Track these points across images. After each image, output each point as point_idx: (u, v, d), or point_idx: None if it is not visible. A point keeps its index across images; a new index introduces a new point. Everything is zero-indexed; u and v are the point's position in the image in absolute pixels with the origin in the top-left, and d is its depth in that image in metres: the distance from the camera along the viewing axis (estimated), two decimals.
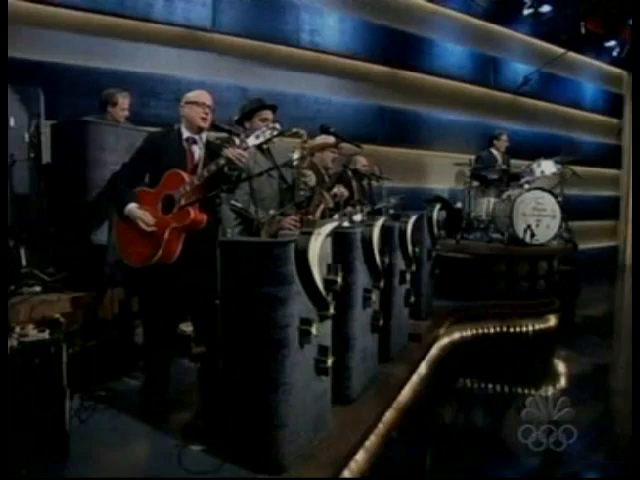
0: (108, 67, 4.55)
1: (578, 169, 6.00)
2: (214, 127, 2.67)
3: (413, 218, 3.68)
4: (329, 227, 2.28)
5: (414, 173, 6.69)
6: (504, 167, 5.65)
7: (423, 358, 3.85)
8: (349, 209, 4.81)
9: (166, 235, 2.37)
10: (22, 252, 2.61)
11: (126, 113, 3.93)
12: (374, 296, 2.86)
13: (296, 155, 3.17)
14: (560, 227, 5.28)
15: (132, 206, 2.44)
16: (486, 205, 5.64)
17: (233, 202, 2.86)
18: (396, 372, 3.35)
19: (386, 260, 3.01)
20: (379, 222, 2.85)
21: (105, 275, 2.79)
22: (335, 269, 2.27)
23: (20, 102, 3.23)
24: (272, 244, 2.00)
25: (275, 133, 2.46)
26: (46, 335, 2.12)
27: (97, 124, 2.91)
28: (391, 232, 3.39)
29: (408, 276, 3.55)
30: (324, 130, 3.57)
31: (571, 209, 5.87)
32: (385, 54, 6.32)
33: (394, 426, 2.80)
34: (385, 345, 3.36)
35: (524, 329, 5.07)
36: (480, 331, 4.93)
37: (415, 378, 3.51)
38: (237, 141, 2.46)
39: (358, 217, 4.89)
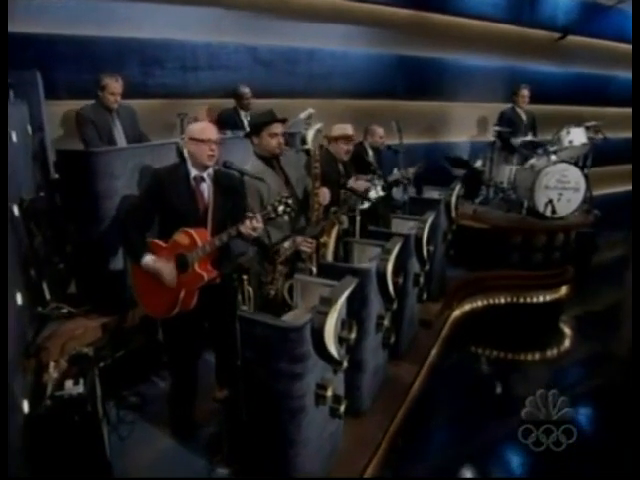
0: (105, 35, 4.33)
1: (613, 111, 5.68)
2: (225, 167, 2.66)
3: (430, 219, 3.69)
4: (346, 293, 2.37)
5: (435, 127, 6.51)
6: (529, 138, 5.43)
7: (432, 347, 4.11)
8: (363, 183, 4.83)
9: (182, 295, 2.47)
10: (44, 286, 2.76)
11: (117, 97, 3.86)
12: (387, 321, 3.02)
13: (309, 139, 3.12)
14: (583, 201, 5.23)
15: (149, 259, 2.49)
16: (508, 172, 5.54)
17: None
18: (404, 373, 3.61)
19: (400, 281, 3.12)
20: (393, 254, 2.90)
21: (126, 299, 2.96)
22: (350, 325, 2.43)
23: (19, 105, 3.16)
24: (288, 329, 2.12)
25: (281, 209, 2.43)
26: (80, 389, 2.34)
27: (102, 154, 2.86)
28: (407, 242, 3.45)
29: (422, 279, 3.67)
30: None
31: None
32: None
33: (401, 433, 3.13)
34: (396, 344, 3.58)
35: (534, 300, 5.29)
36: (491, 302, 5.14)
37: (424, 373, 3.80)
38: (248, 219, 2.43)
39: (373, 194, 4.95)
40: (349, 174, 4.08)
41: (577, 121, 5.70)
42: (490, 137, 5.68)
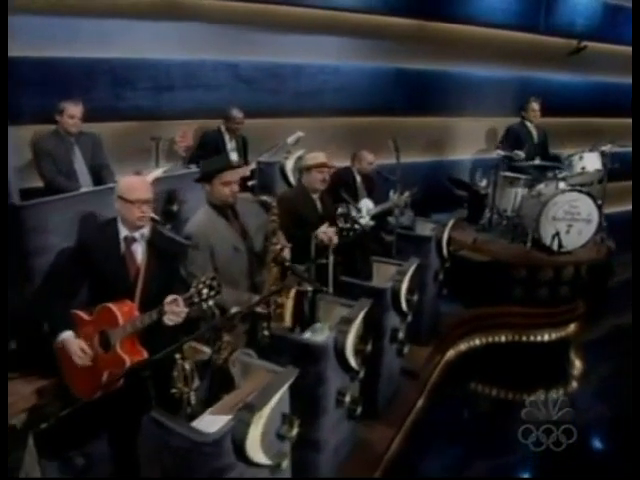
0: (72, 55, 4.08)
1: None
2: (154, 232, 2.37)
3: (411, 270, 3.33)
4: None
5: (439, 144, 6.11)
6: (537, 162, 4.99)
7: (417, 400, 3.79)
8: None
9: (104, 377, 2.22)
10: None
11: (77, 121, 3.64)
12: (349, 396, 2.72)
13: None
14: (596, 233, 4.79)
15: (66, 336, 2.23)
16: (513, 197, 5.12)
17: None
18: (379, 438, 3.27)
19: (368, 348, 2.81)
20: (355, 324, 2.59)
21: None
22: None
23: None
24: (203, 443, 1.83)
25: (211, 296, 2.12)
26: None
27: (31, 208, 2.61)
28: (382, 297, 3.13)
29: (401, 334, 3.34)
30: None
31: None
32: (409, 3, 5.44)
33: None
34: (371, 404, 3.28)
35: (539, 338, 4.90)
36: (490, 340, 4.77)
37: (404, 434, 3.48)
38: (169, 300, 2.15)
39: (362, 222, 4.63)
40: (327, 209, 3.76)
41: (596, 135, 5.26)
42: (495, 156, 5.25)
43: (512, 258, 4.95)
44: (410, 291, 3.43)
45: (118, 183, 2.39)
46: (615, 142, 4.92)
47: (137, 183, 2.35)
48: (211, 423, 2.01)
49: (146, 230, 2.37)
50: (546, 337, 4.90)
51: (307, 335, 2.80)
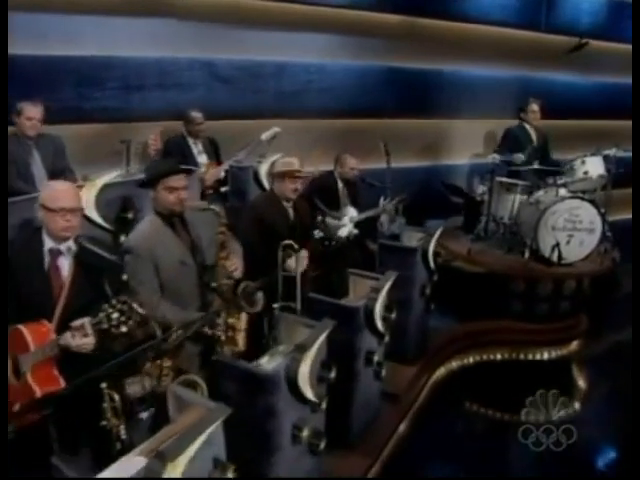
0: (35, 53, 3.83)
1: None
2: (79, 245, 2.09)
3: (386, 286, 3.01)
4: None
5: (434, 147, 5.79)
6: (536, 166, 4.66)
7: (398, 425, 3.46)
8: (330, 221, 4.24)
9: (16, 407, 1.93)
10: None
11: (35, 123, 3.44)
12: (306, 430, 2.40)
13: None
14: (599, 244, 4.44)
15: None
16: (511, 204, 4.77)
17: None
18: (351, 470, 2.98)
19: (331, 375, 2.50)
20: (311, 351, 2.28)
21: None
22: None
23: None
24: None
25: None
26: None
27: None
28: (353, 316, 2.82)
29: (377, 357, 3.02)
30: None
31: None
32: None
33: None
34: (344, 432, 2.97)
35: (537, 357, 4.56)
36: (485, 358, 4.43)
37: (381, 464, 3.16)
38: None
39: (344, 232, 4.34)
40: (301, 218, 3.47)
41: (601, 138, 4.90)
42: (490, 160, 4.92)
43: (509, 270, 4.61)
44: (388, 308, 3.12)
45: (42, 190, 2.14)
46: (620, 146, 4.57)
47: (61, 190, 2.10)
48: (124, 469, 1.72)
49: (72, 243, 2.11)
50: (545, 355, 4.57)
51: (264, 360, 2.50)
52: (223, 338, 2.53)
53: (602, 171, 4.47)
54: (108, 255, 2.11)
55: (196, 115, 4.15)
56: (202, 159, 4.23)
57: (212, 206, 2.47)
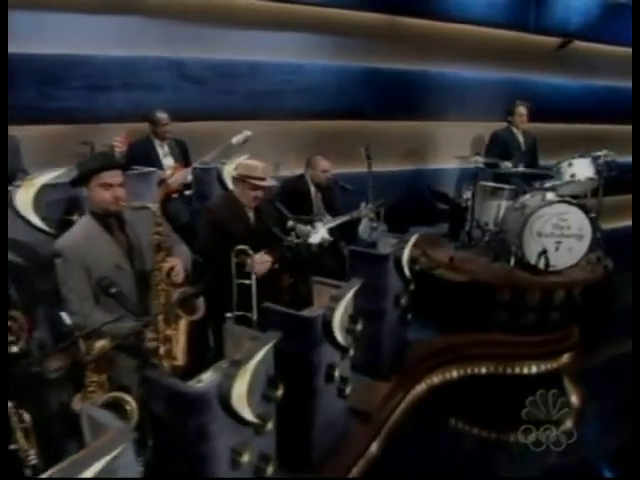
0: None
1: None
2: None
3: (347, 296, 2.78)
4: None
5: (419, 151, 5.59)
6: (520, 169, 4.44)
7: (367, 447, 3.22)
8: (302, 227, 4.04)
9: None
10: None
11: None
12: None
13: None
14: (589, 250, 4.20)
15: None
16: (496, 210, 4.55)
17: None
18: None
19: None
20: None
21: None
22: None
23: None
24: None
25: None
26: None
27: None
28: (310, 327, 2.60)
29: (337, 374, 2.78)
30: None
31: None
32: None
33: None
34: (304, 450, 2.74)
35: (525, 371, 4.30)
36: (469, 372, 4.19)
37: None
38: None
39: (317, 238, 4.12)
40: (264, 224, 3.26)
41: (593, 143, 4.68)
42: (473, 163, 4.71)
43: (494, 279, 4.36)
44: (353, 320, 2.90)
45: None
46: (610, 148, 4.34)
47: None
48: None
49: None
50: (534, 369, 4.31)
51: (205, 376, 2.29)
52: (161, 351, 2.34)
53: (591, 174, 4.24)
54: (20, 260, 1.91)
55: (161, 116, 3.99)
56: (168, 162, 4.07)
57: (148, 204, 2.27)
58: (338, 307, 2.70)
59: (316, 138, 4.78)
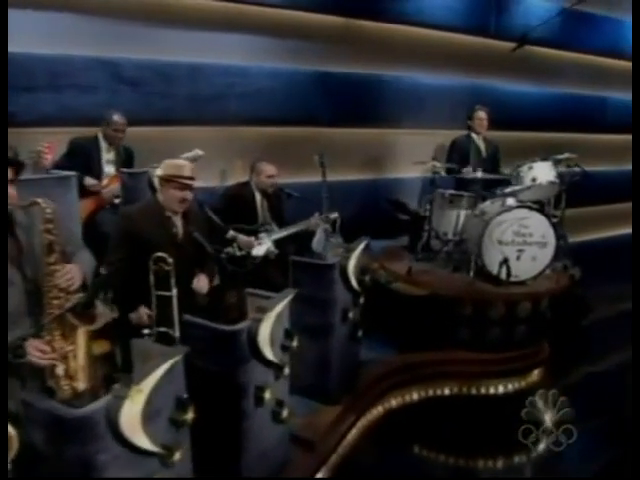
0: None
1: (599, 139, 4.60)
2: None
3: (277, 308, 2.54)
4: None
5: (378, 160, 5.45)
6: (479, 175, 4.32)
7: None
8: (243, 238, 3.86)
9: None
10: None
11: None
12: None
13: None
14: (554, 258, 4.06)
15: None
16: (455, 219, 4.40)
17: None
18: None
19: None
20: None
21: None
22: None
23: None
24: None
25: None
26: None
27: None
28: (235, 341, 2.35)
29: (268, 395, 2.52)
30: None
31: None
32: None
33: None
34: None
35: (491, 391, 4.09)
36: (431, 394, 3.95)
37: None
38: None
39: (261, 250, 3.91)
40: (188, 234, 2.99)
41: (556, 150, 4.59)
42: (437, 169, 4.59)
43: (455, 291, 4.18)
44: (288, 335, 2.65)
45: None
46: (574, 152, 4.27)
47: None
48: None
49: None
50: (501, 389, 4.10)
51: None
52: (59, 370, 2.06)
53: (552, 177, 4.13)
54: None
55: (117, 119, 3.73)
56: (109, 169, 3.79)
57: (37, 199, 2.02)
58: (266, 319, 2.45)
59: (265, 145, 4.59)
